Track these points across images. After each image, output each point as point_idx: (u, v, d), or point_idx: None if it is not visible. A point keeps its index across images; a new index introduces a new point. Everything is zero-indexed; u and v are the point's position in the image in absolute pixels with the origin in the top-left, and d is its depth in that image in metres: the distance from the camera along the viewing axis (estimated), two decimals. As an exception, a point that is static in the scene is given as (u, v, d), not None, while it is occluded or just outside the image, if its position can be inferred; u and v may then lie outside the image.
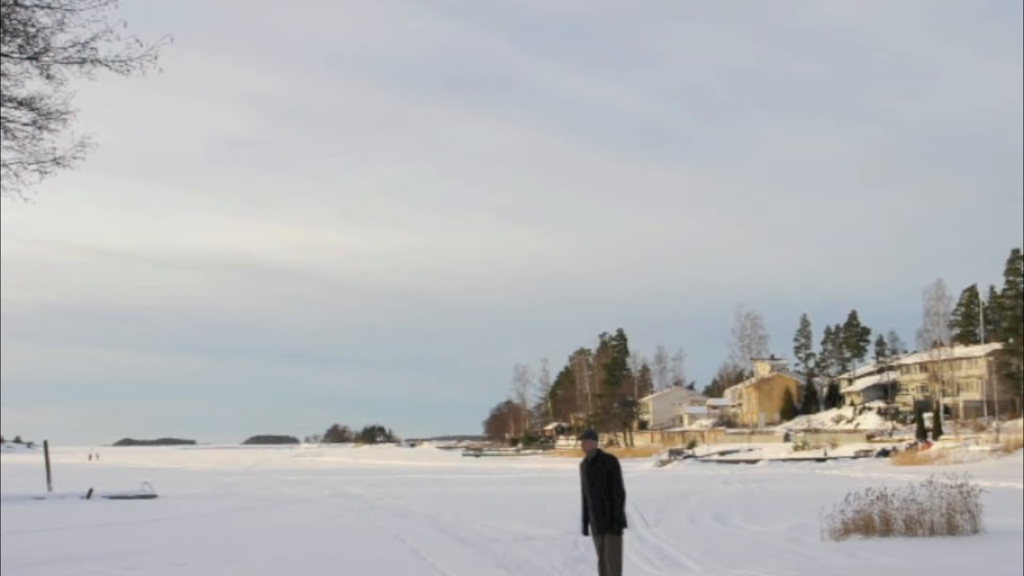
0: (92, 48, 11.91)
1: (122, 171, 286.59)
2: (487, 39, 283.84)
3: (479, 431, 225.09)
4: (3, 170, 12.89)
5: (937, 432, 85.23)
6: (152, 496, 38.84)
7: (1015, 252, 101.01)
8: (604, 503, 11.53)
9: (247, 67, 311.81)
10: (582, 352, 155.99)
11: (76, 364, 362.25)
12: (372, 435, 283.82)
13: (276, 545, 20.34)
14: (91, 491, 39.00)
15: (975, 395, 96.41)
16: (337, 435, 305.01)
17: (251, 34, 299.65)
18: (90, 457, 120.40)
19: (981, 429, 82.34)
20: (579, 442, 12.39)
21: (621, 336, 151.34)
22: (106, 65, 12.08)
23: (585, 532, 11.89)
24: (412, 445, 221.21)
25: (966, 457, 67.28)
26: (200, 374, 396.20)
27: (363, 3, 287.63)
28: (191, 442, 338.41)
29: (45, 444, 52.79)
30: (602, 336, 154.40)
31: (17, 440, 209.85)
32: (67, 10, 11.57)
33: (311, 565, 16.44)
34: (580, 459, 12.26)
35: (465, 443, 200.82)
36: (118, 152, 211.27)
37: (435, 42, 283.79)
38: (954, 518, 18.75)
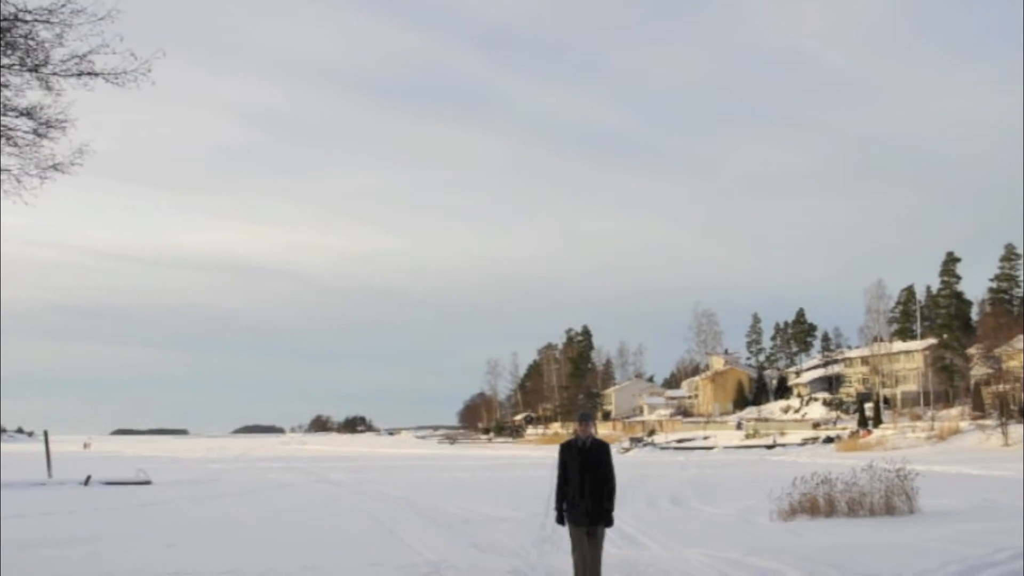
0: (89, 61, 11.86)
1: (117, 176, 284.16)
2: (459, 53, 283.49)
3: (453, 421, 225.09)
4: (5, 175, 12.78)
5: (877, 421, 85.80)
6: (147, 482, 38.52)
7: (949, 254, 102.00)
8: (597, 493, 10.15)
9: (234, 78, 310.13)
10: (550, 347, 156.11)
11: (73, 358, 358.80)
12: (353, 425, 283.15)
13: (263, 527, 20.25)
14: (89, 478, 38.62)
15: (912, 387, 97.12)
16: (320, 425, 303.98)
17: (237, 47, 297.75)
18: (84, 445, 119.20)
19: (918, 418, 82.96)
20: (577, 424, 10.61)
21: (586, 332, 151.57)
22: (102, 77, 12.02)
23: (561, 521, 10.41)
24: (391, 434, 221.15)
25: (904, 444, 67.80)
26: (191, 368, 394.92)
27: (343, 18, 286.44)
28: (183, 432, 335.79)
29: (45, 433, 52.23)
30: (568, 332, 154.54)
31: (19, 430, 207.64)
32: (66, 25, 11.50)
33: (296, 545, 16.37)
34: (563, 442, 10.78)
35: (440, 432, 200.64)
36: (113, 158, 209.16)
37: (411, 55, 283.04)
38: (892, 500, 18.92)
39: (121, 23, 11.59)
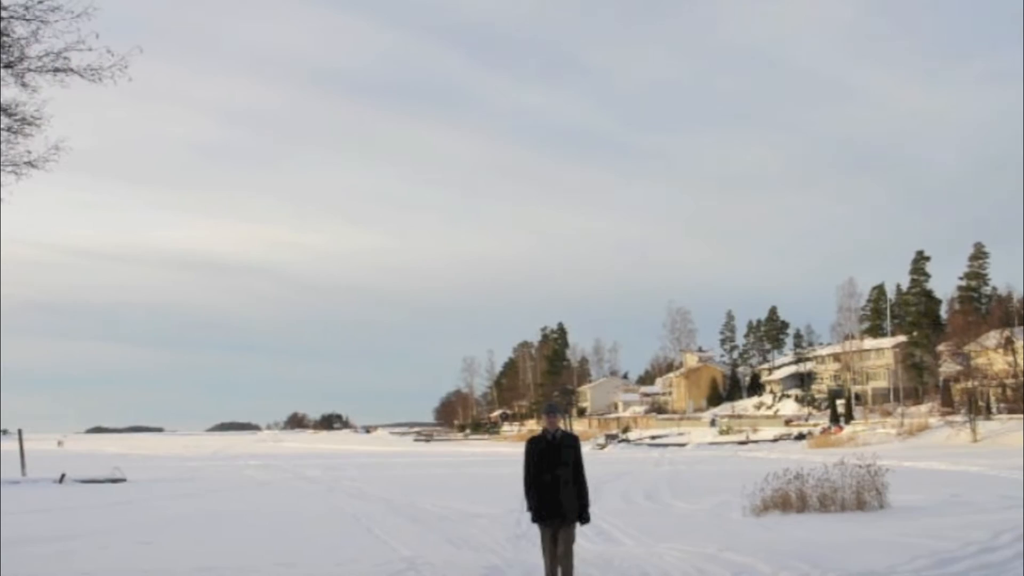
0: (65, 58, 11.77)
1: (94, 173, 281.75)
2: (436, 51, 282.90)
3: (430, 418, 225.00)
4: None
5: (848, 417, 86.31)
6: (122, 480, 38.29)
7: (919, 253, 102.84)
8: (568, 489, 9.79)
9: (212, 76, 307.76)
10: (525, 344, 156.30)
11: (48, 356, 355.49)
12: (329, 422, 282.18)
13: (239, 524, 20.16)
14: (63, 476, 38.36)
15: (883, 383, 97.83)
16: (296, 422, 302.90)
17: (215, 46, 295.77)
18: (58, 443, 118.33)
19: (888, 414, 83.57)
20: (544, 416, 10.13)
21: (561, 329, 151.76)
22: (79, 74, 11.94)
23: (536, 519, 9.98)
24: (367, 431, 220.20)
25: (874, 440, 68.21)
26: (167, 365, 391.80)
27: (321, 17, 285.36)
28: (159, 429, 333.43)
29: (19, 432, 51.84)
30: (544, 330, 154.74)
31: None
32: (42, 21, 11.41)
33: (272, 542, 16.31)
34: (530, 436, 10.44)
35: (416, 429, 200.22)
36: (90, 155, 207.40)
37: (388, 53, 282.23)
38: (863, 495, 19.02)
39: (98, 20, 11.52)
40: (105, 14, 11.50)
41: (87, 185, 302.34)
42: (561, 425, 10.15)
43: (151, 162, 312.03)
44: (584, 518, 10.01)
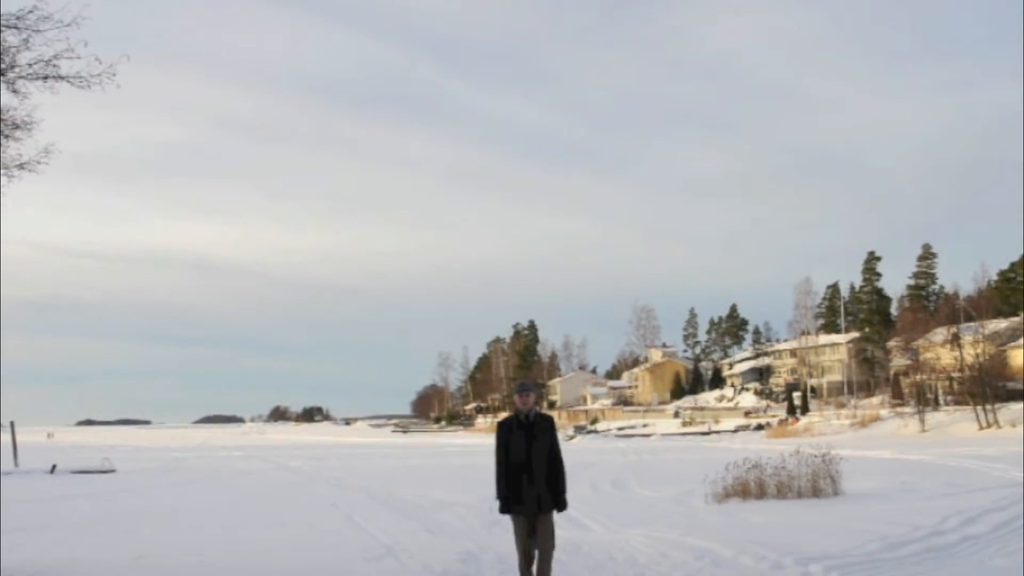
0: (54, 65, 11.66)
1: (81, 175, 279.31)
2: (412, 60, 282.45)
3: (407, 411, 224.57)
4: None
5: (804, 409, 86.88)
6: (111, 471, 37.91)
7: (871, 254, 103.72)
8: (544, 475, 8.63)
9: (193, 83, 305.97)
10: (498, 340, 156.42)
11: (38, 352, 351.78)
12: (311, 415, 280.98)
13: (224, 513, 20.05)
14: (54, 467, 37.95)
15: (837, 377, 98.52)
16: (279, 415, 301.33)
17: (196, 53, 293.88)
18: (48, 435, 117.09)
19: (842, 406, 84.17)
20: (516, 395, 8.88)
21: (532, 326, 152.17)
22: (68, 81, 11.84)
23: (507, 509, 8.78)
24: (347, 423, 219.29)
25: (829, 430, 68.80)
26: (154, 360, 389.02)
27: (302, 27, 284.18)
28: (147, 422, 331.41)
29: (12, 424, 51.25)
30: (516, 326, 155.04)
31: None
32: (33, 30, 11.31)
33: (256, 529, 16.24)
34: (501, 419, 9.28)
35: (394, 421, 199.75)
36: (78, 158, 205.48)
37: (367, 63, 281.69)
38: (818, 483, 19.13)
39: (86, 29, 11.42)
40: (94, 23, 11.41)
41: (75, 186, 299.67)
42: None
43: (137, 165, 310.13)
44: (560, 505, 8.82)
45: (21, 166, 12.70)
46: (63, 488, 28.90)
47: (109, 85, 11.91)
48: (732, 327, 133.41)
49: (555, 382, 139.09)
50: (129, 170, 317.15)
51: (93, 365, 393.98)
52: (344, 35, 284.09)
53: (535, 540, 8.74)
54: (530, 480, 8.60)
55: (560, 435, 9.31)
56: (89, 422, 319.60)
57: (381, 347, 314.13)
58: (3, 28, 11.22)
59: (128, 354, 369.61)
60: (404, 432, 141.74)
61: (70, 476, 35.86)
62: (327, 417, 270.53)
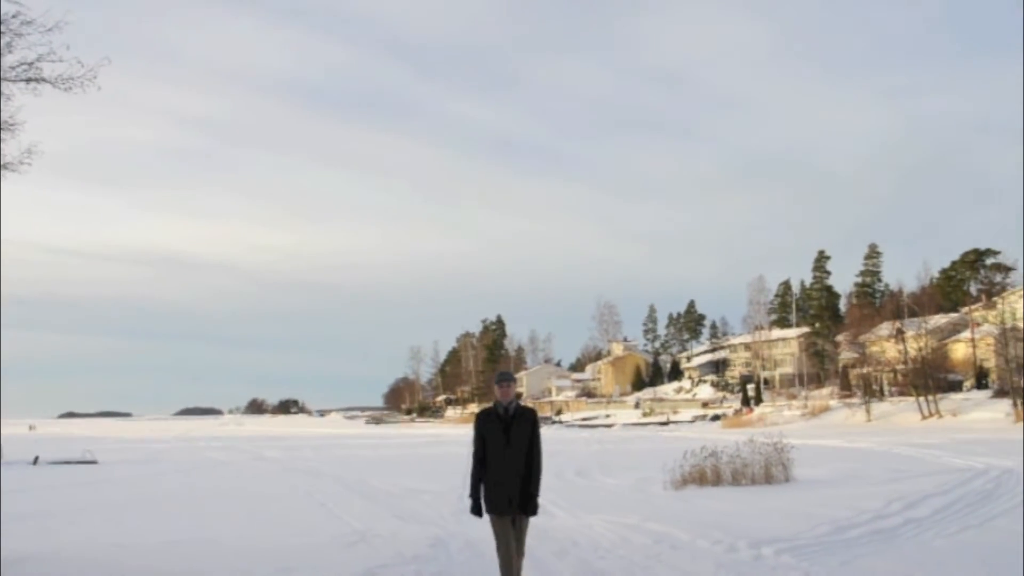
0: (37, 68, 11.51)
1: (62, 174, 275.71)
2: (387, 65, 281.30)
3: (379, 403, 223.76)
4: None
5: (758, 400, 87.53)
6: (93, 462, 37.47)
7: (820, 253, 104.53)
8: (523, 474, 7.56)
9: (174, 85, 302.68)
10: (467, 335, 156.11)
11: (19, 346, 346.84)
12: (287, 407, 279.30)
13: (202, 502, 19.88)
14: (37, 458, 37.46)
15: (788, 369, 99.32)
16: (256, 407, 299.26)
17: (175, 56, 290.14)
18: (30, 428, 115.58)
19: (793, 397, 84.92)
20: (496, 386, 7.81)
21: (500, 321, 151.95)
22: (50, 83, 11.69)
23: (477, 511, 7.68)
24: (321, 415, 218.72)
25: (781, 420, 69.34)
26: (135, 355, 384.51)
27: (278, 33, 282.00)
28: (127, 414, 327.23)
29: (-6, 417, 50.62)
30: (484, 321, 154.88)
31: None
32: (16, 34, 11.16)
33: (233, 518, 16.12)
34: (480, 410, 8.14)
35: (368, 413, 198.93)
36: (59, 157, 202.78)
37: (343, 66, 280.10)
38: (771, 470, 19.27)
39: (68, 33, 11.28)
40: (75, 28, 11.28)
41: (55, 185, 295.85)
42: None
43: (117, 165, 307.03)
44: (529, 509, 7.63)
45: (4, 166, 12.53)
46: (45, 479, 28.54)
47: (91, 87, 11.78)
48: (690, 322, 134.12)
49: (522, 375, 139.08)
50: (111, 171, 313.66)
51: (75, 359, 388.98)
52: (316, 40, 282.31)
53: (513, 540, 7.65)
54: (506, 481, 7.52)
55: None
56: (71, 415, 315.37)
57: (354, 341, 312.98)
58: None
59: (109, 349, 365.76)
60: (377, 423, 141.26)
61: (52, 467, 35.41)
62: (302, 409, 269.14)
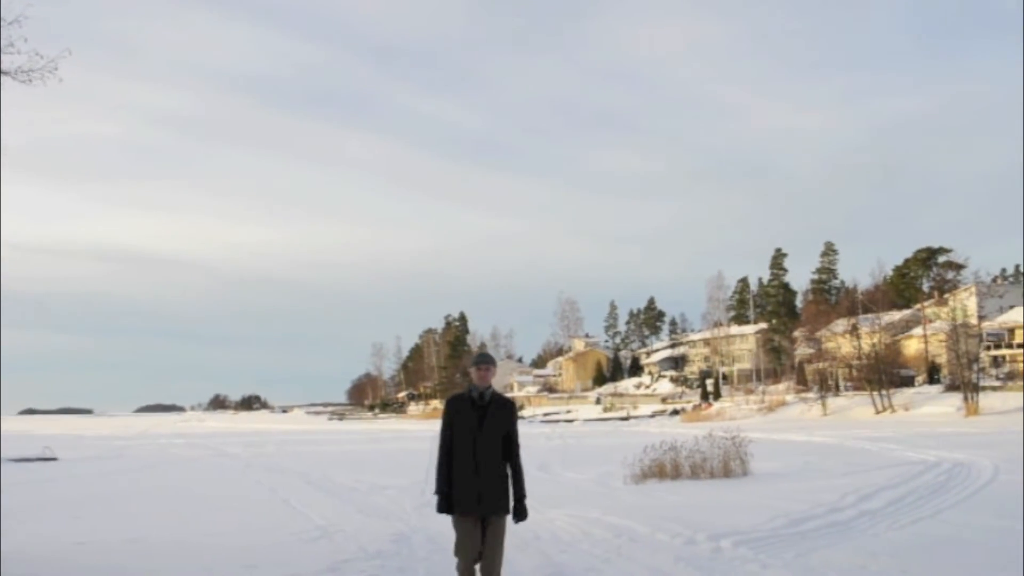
0: (-7, 60, 11.30)
1: (23, 170, 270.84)
2: (348, 64, 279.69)
3: (342, 398, 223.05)
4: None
5: (717, 395, 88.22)
6: (52, 459, 36.87)
7: (778, 251, 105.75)
8: (495, 469, 6.61)
9: (136, 81, 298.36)
10: (430, 331, 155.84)
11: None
12: (249, 403, 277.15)
13: (165, 499, 19.64)
14: (-6, 455, 36.79)
15: (746, 365, 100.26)
16: (218, 403, 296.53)
17: (138, 51, 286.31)
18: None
19: (750, 392, 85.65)
20: (473, 368, 6.75)
21: (462, 317, 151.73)
22: (10, 75, 11.48)
23: (445, 508, 6.68)
24: (284, 411, 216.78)
25: (739, 415, 69.89)
26: (96, 351, 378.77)
27: (239, 29, 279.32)
28: (88, 411, 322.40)
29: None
30: (447, 317, 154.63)
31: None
32: (-31, 28, 10.95)
33: (196, 514, 15.95)
34: (451, 395, 7.21)
35: (330, 409, 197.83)
36: (18, 152, 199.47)
37: (305, 64, 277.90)
38: (729, 464, 19.41)
39: (28, 27, 11.09)
40: (37, 23, 11.08)
41: (16, 181, 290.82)
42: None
43: (79, 160, 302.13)
44: (519, 513, 6.71)
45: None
46: (4, 476, 28.02)
47: (51, 79, 11.58)
48: (650, 319, 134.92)
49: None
50: (71, 166, 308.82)
51: (35, 356, 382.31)
52: (281, 37, 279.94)
53: (479, 546, 6.61)
54: (476, 476, 6.55)
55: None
56: (31, 411, 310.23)
57: (317, 337, 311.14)
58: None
59: (70, 345, 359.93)
60: (340, 419, 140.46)
61: (10, 464, 34.78)
62: (265, 405, 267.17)
